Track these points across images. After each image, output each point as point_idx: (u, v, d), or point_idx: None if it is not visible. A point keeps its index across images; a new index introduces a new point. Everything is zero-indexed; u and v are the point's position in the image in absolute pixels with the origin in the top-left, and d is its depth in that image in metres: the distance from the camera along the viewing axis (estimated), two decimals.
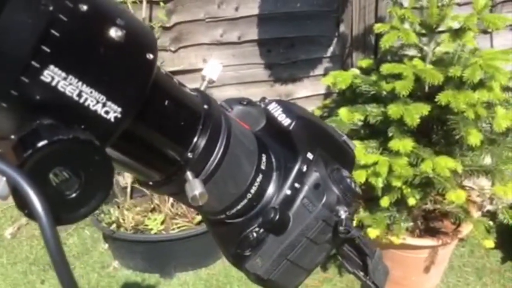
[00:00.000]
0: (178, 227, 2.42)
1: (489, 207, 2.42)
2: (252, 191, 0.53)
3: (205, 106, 0.50)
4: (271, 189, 0.54)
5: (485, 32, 2.32)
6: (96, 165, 0.38)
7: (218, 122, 0.50)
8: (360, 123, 2.08)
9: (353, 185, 0.55)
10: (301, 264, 0.55)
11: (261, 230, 0.53)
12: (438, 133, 2.04)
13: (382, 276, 0.57)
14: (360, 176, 1.91)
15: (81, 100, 0.38)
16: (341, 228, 0.53)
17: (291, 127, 0.55)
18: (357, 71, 2.21)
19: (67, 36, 0.36)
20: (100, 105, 0.39)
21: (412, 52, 2.16)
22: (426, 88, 1.97)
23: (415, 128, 1.90)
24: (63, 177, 0.37)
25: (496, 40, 2.56)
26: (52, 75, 0.36)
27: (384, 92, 1.99)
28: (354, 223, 2.04)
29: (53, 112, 0.38)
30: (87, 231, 2.74)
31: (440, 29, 2.02)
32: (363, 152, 1.97)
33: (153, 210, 2.50)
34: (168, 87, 0.48)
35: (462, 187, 2.08)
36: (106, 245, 2.63)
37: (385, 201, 1.95)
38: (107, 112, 0.39)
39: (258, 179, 0.53)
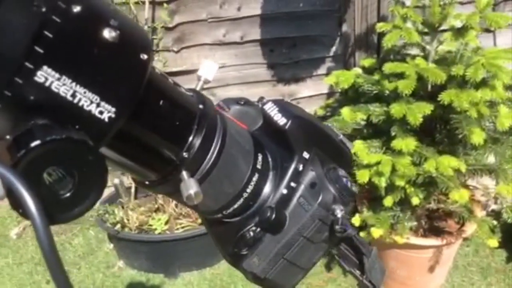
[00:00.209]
0: (182, 227, 2.42)
1: (493, 207, 2.41)
2: (248, 190, 0.53)
3: (200, 106, 0.50)
4: (267, 189, 0.54)
5: (487, 30, 2.31)
6: (90, 165, 0.38)
7: (213, 121, 0.50)
8: (363, 123, 2.08)
9: (349, 184, 0.55)
10: (298, 263, 0.55)
11: (258, 229, 0.53)
12: (441, 132, 2.03)
13: (378, 274, 0.57)
14: (363, 175, 1.90)
15: (75, 101, 0.38)
16: (337, 227, 0.53)
17: (287, 127, 0.55)
18: (359, 71, 2.21)
19: (60, 37, 0.37)
20: (94, 105, 0.39)
21: (414, 51, 2.15)
22: (429, 87, 1.96)
23: (418, 127, 1.89)
24: (57, 176, 0.37)
25: (499, 39, 2.55)
26: (46, 75, 0.37)
27: (387, 91, 1.99)
28: (358, 223, 2.04)
29: (48, 113, 0.38)
30: (92, 232, 2.75)
31: (443, 28, 2.01)
32: (366, 151, 1.96)
33: (157, 210, 2.50)
34: (163, 87, 0.48)
35: (466, 187, 2.07)
36: (111, 245, 2.64)
37: (388, 201, 1.95)
38: (101, 112, 0.40)
39: (254, 179, 0.53)
